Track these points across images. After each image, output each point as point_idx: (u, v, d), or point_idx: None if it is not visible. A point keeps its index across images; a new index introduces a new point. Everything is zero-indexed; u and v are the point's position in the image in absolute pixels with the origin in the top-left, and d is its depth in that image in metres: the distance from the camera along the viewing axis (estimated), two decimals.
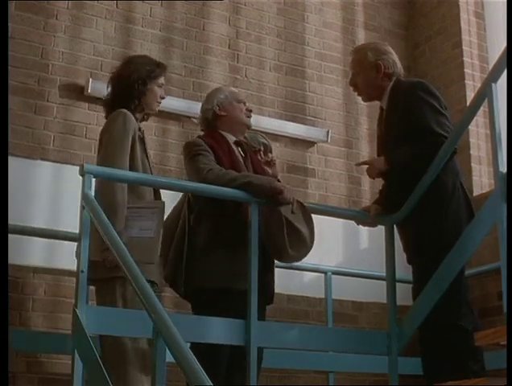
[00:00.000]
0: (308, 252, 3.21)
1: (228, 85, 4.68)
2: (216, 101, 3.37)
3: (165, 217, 3.04)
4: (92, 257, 2.72)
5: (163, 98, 3.28)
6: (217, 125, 3.36)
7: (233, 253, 3.05)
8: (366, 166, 3.35)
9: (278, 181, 3.34)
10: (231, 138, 3.34)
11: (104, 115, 3.24)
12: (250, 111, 3.45)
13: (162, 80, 3.25)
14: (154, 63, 3.28)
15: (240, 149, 3.36)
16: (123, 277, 2.60)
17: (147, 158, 3.16)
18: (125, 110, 3.07)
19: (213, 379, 1.76)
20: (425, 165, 3.05)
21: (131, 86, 3.13)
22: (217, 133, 3.32)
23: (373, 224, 3.44)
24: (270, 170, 3.43)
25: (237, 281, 3.01)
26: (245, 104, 3.43)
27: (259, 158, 3.50)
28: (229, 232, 3.08)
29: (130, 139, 3.02)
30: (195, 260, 3.12)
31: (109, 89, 3.23)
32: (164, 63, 3.35)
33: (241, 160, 3.29)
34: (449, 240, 2.98)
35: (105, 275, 2.82)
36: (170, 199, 3.23)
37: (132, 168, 3.02)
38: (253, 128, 3.54)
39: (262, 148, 3.62)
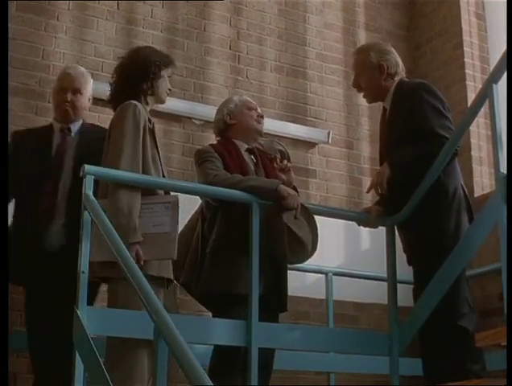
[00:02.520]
0: (309, 257, 3.23)
1: (229, 86, 4.70)
2: (226, 110, 3.43)
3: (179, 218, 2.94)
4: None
5: (170, 90, 3.23)
6: (229, 133, 3.41)
7: (243, 258, 3.03)
8: (375, 182, 3.19)
9: (294, 187, 3.34)
10: (243, 146, 3.38)
11: (110, 105, 3.13)
12: (262, 117, 3.47)
13: (170, 71, 3.20)
14: (162, 52, 3.26)
15: (252, 156, 3.38)
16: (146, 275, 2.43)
17: (158, 152, 3.02)
18: (134, 101, 2.95)
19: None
20: (426, 166, 3.04)
21: (147, 68, 3.04)
22: (229, 141, 3.36)
23: (374, 225, 3.44)
24: (284, 177, 3.39)
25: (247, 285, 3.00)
26: (256, 110, 3.46)
27: (275, 164, 3.49)
28: (239, 236, 3.07)
29: (141, 133, 2.91)
30: (207, 266, 3.15)
31: (115, 79, 3.11)
32: None
33: (251, 167, 3.30)
34: (450, 241, 2.98)
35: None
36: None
37: (142, 162, 2.89)
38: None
39: (279, 155, 3.63)
